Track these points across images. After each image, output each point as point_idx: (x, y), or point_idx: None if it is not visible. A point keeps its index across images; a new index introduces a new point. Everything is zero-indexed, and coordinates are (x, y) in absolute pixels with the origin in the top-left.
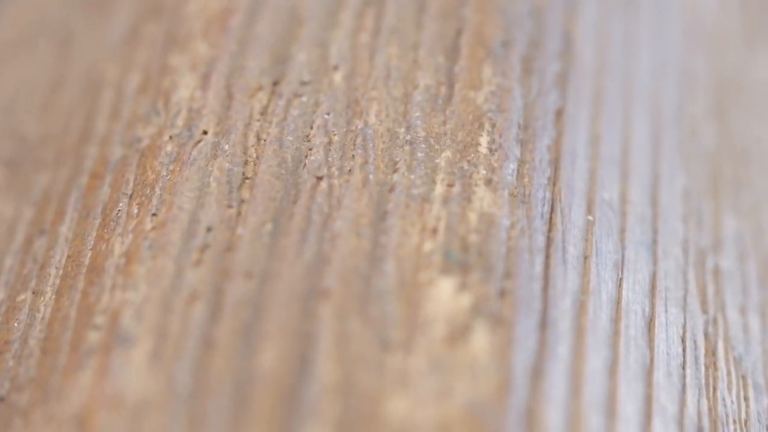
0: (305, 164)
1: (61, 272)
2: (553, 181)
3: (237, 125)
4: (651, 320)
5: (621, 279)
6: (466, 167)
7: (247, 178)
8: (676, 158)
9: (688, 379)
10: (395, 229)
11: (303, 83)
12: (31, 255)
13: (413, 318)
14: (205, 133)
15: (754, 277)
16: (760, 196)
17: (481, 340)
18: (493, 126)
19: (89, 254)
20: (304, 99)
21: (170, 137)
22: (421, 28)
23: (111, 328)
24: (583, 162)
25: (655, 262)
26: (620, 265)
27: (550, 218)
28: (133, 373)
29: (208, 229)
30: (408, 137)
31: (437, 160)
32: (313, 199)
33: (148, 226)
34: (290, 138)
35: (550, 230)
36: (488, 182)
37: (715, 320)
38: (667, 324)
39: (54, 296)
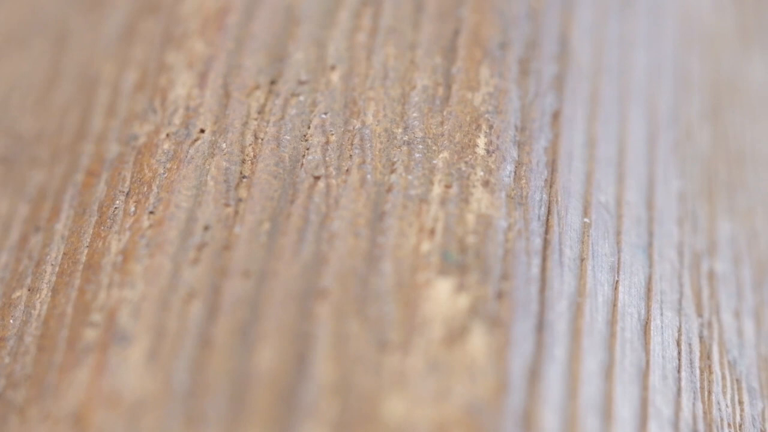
0: (303, 164)
1: (57, 269)
2: (550, 183)
3: (234, 124)
4: (646, 323)
5: (617, 282)
6: (463, 168)
7: (244, 177)
8: (671, 160)
9: (683, 383)
10: (393, 230)
11: (300, 82)
12: (27, 252)
13: (411, 319)
14: (202, 131)
15: (749, 281)
16: (755, 199)
17: (478, 341)
18: (491, 127)
19: (85, 251)
20: (302, 98)
21: (167, 135)
22: (418, 29)
23: (108, 325)
24: (579, 164)
25: (650, 265)
26: (616, 268)
27: (547, 220)
28: (131, 371)
29: (206, 228)
30: (405, 138)
31: (435, 161)
32: (311, 198)
33: (145, 224)
34: (288, 137)
35: (546, 232)
36: (486, 184)
37: (710, 324)
38: (662, 327)
39: (50, 293)
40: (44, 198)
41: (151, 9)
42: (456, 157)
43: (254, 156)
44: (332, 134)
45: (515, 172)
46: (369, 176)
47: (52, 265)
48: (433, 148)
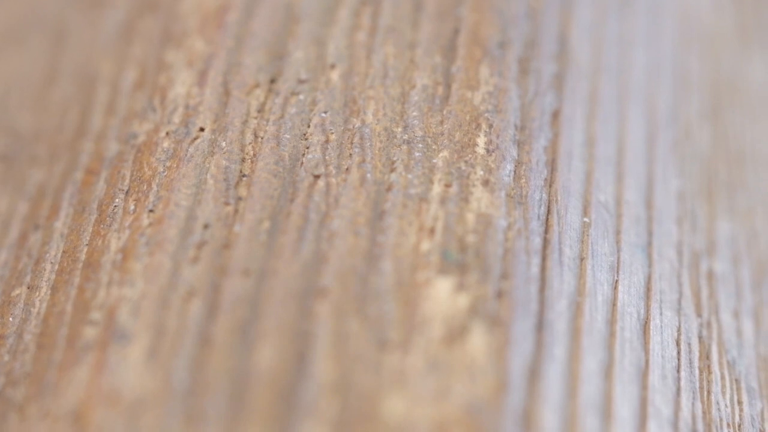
0: (303, 162)
1: (56, 267)
2: (550, 182)
3: (234, 122)
4: (646, 323)
5: (616, 281)
6: (463, 167)
7: (244, 176)
8: (670, 160)
9: (682, 382)
10: (393, 229)
11: (300, 81)
12: (26, 250)
13: (411, 318)
14: (202, 129)
15: (748, 281)
16: (754, 199)
17: (478, 340)
18: (491, 127)
19: (85, 250)
20: (302, 97)
21: (167, 133)
22: (417, 28)
23: (107, 324)
24: (579, 163)
25: (650, 265)
26: (616, 267)
27: (547, 220)
28: (130, 369)
29: (206, 227)
30: (405, 137)
31: (435, 160)
32: (311, 197)
33: (145, 222)
34: (287, 136)
35: (546, 232)
36: (485, 183)
37: (709, 323)
38: (662, 327)
39: (49, 291)
40: (43, 196)
41: (150, 7)
42: (456, 156)
43: (254, 154)
44: (332, 133)
45: (515, 172)
46: (369, 175)
47: (51, 263)
48: (433, 147)
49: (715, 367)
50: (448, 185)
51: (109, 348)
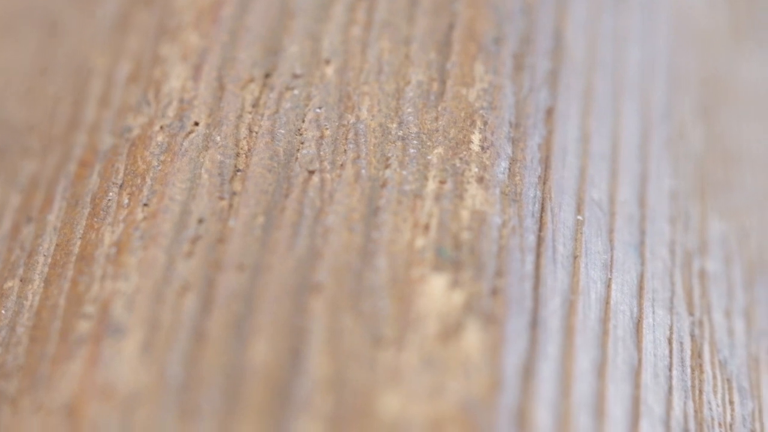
0: (297, 158)
1: (49, 260)
2: (544, 179)
3: (229, 117)
4: (639, 321)
5: (610, 279)
6: (458, 164)
7: (238, 171)
8: (664, 158)
9: (674, 381)
10: (387, 225)
11: (295, 76)
12: (19, 242)
13: (405, 314)
14: (196, 124)
15: (739, 280)
16: (746, 199)
17: (473, 338)
18: (485, 123)
19: (78, 243)
20: (296, 92)
21: (161, 127)
22: (413, 23)
23: (101, 317)
24: (573, 160)
25: (642, 263)
26: (609, 266)
27: (541, 217)
28: (124, 363)
29: (200, 221)
30: (400, 133)
31: (429, 157)
32: (305, 193)
33: (139, 216)
34: (282, 131)
35: (540, 229)
36: (480, 180)
37: (701, 322)
38: (654, 325)
39: (42, 284)
40: (36, 188)
41: (145, 0)
42: (450, 152)
43: (249, 149)
44: (327, 128)
45: (509, 169)
46: (363, 171)
47: (44, 255)
48: (428, 143)
49: (707, 366)
50: (442, 182)
51: (103, 342)
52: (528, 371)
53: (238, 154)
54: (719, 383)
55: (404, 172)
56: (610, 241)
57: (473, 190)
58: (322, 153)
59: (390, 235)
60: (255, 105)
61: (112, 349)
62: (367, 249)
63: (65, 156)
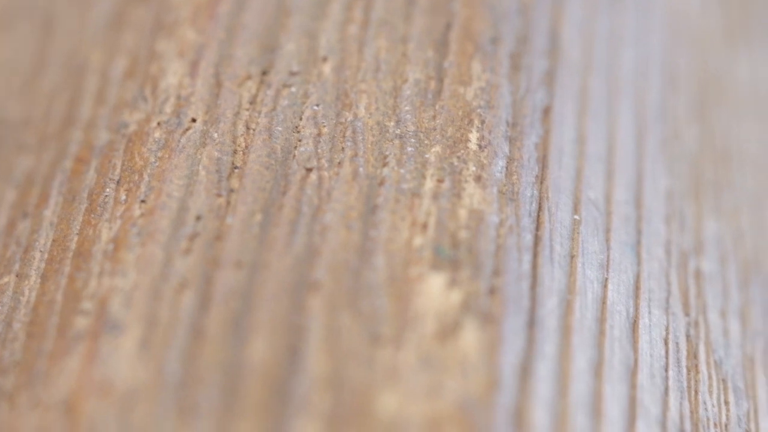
0: (295, 155)
1: (46, 256)
2: (541, 179)
3: (226, 114)
4: (635, 321)
5: (606, 279)
6: (455, 163)
7: (236, 168)
8: (659, 158)
9: (670, 382)
10: (385, 223)
11: (292, 73)
12: (14, 238)
13: (403, 313)
14: (193, 120)
15: (734, 281)
16: (740, 199)
17: (470, 337)
18: (483, 122)
19: (75, 239)
20: (293, 89)
21: (158, 124)
22: (410, 22)
23: (99, 314)
24: (569, 160)
25: (639, 263)
26: (605, 266)
27: (538, 217)
28: (122, 360)
29: (198, 218)
30: (398, 131)
31: (427, 155)
32: (303, 190)
33: (137, 212)
34: (279, 128)
35: (537, 229)
36: (478, 179)
37: (696, 323)
38: (650, 325)
39: (39, 280)
40: (32, 184)
41: None
42: (448, 151)
43: (246, 147)
44: (324, 126)
45: (507, 168)
46: (361, 169)
47: (40, 251)
48: (426, 142)
49: (703, 367)
50: (440, 180)
51: (100, 338)
52: (525, 371)
53: (235, 152)
54: (715, 383)
55: (402, 171)
56: (607, 240)
57: (471, 188)
58: (319, 151)
59: (388, 233)
60: (252, 102)
61: (109, 346)
62: (365, 247)
63: (61, 152)
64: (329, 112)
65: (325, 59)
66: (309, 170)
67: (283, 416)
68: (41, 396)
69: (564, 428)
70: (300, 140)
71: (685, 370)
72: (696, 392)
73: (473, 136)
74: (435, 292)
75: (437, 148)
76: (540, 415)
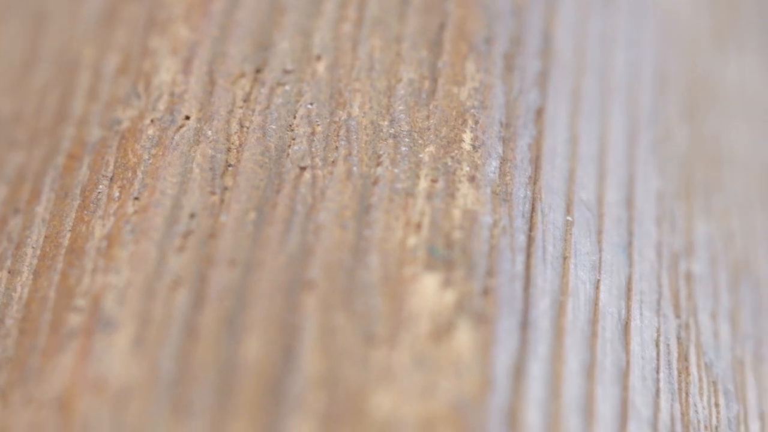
0: (288, 154)
1: (38, 252)
2: (534, 180)
3: (220, 111)
4: (627, 323)
5: (598, 281)
6: (449, 163)
7: (230, 166)
8: (650, 160)
9: (661, 384)
10: (379, 223)
11: (286, 72)
12: (6, 234)
13: (397, 313)
14: (187, 118)
15: (724, 283)
16: (730, 201)
17: (464, 337)
18: (477, 122)
19: (68, 235)
20: (287, 88)
21: (152, 121)
22: (404, 21)
23: (92, 311)
24: (562, 161)
25: (630, 265)
26: (598, 267)
27: (531, 217)
28: (116, 357)
29: (191, 216)
30: (392, 131)
31: (421, 155)
32: (297, 189)
33: (130, 209)
34: (273, 127)
35: (531, 229)
36: (471, 179)
37: (687, 325)
38: (642, 327)
39: (31, 276)
40: (23, 180)
41: None
42: (442, 151)
43: (240, 144)
44: (318, 125)
45: (500, 168)
46: (355, 168)
47: (33, 248)
48: (419, 141)
49: (693, 369)
50: (434, 180)
51: (94, 335)
52: (519, 371)
53: (229, 149)
54: (705, 386)
55: (396, 170)
56: (599, 242)
57: (465, 189)
58: (313, 149)
59: (382, 233)
60: (246, 100)
61: (103, 343)
62: (359, 247)
63: (53, 148)
64: (323, 111)
65: (319, 58)
66: (303, 169)
67: (277, 415)
68: (34, 393)
69: (557, 429)
70: (294, 139)
71: (676, 372)
72: (687, 394)
73: (467, 137)
74: (429, 292)
75: (431, 148)
76: (533, 415)
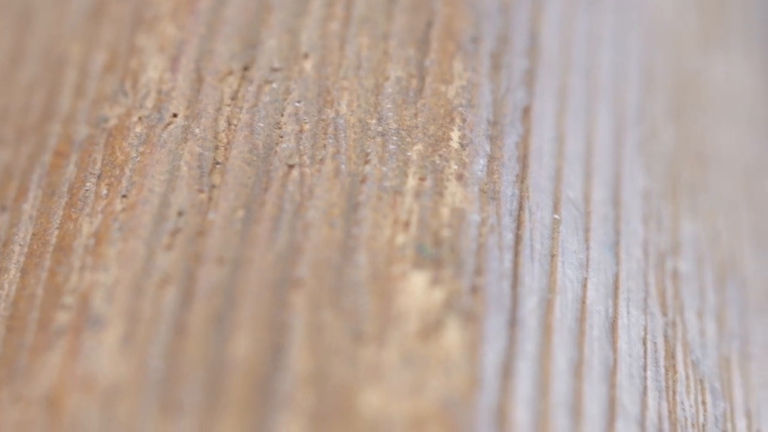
0: (276, 152)
1: (25, 250)
2: (521, 178)
3: (207, 109)
4: (614, 321)
5: (586, 279)
6: (437, 161)
7: (218, 163)
8: (637, 159)
9: (649, 382)
10: (367, 221)
11: (273, 69)
12: None
13: (386, 311)
14: (175, 115)
15: (711, 281)
16: (716, 200)
17: (453, 335)
18: (464, 121)
19: (55, 233)
20: (275, 86)
21: (139, 118)
22: (391, 19)
23: (81, 309)
24: (549, 159)
25: (617, 263)
26: (585, 265)
27: (519, 216)
28: (105, 355)
29: (180, 214)
30: (380, 129)
31: (409, 153)
32: (285, 187)
33: (118, 207)
34: (261, 124)
35: (518, 228)
36: (459, 177)
37: (674, 323)
38: (629, 326)
39: (19, 274)
40: (10, 177)
41: None
42: (430, 149)
43: (228, 142)
44: (306, 123)
45: (488, 167)
46: (343, 166)
47: (20, 245)
48: (407, 140)
49: (680, 367)
50: (422, 179)
51: (83, 333)
52: (507, 370)
53: (217, 147)
54: (692, 384)
55: (384, 168)
56: (586, 240)
57: (453, 187)
58: (301, 147)
59: (370, 231)
60: (234, 98)
61: (92, 341)
62: (348, 245)
63: (40, 145)
64: (311, 109)
65: (306, 56)
66: (291, 167)
67: (266, 413)
68: (22, 391)
69: (545, 427)
70: (282, 137)
71: (663, 370)
72: (674, 392)
73: (455, 135)
74: (417, 290)
75: (419, 146)
76: (521, 414)
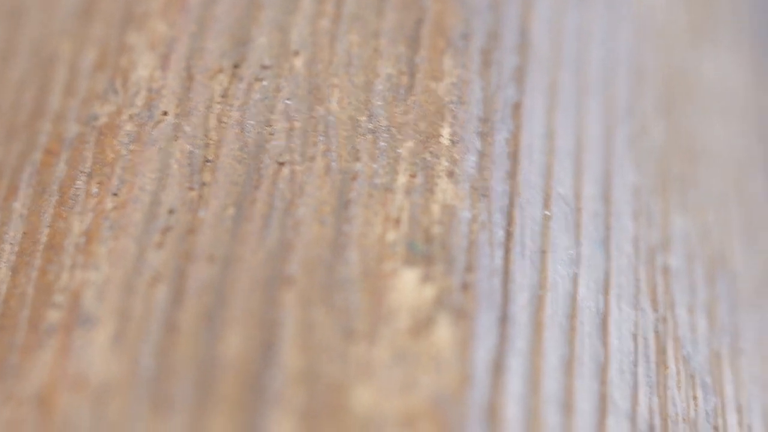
0: (267, 149)
1: (16, 248)
2: (512, 174)
3: (198, 107)
4: (605, 317)
5: (577, 275)
6: (428, 158)
7: (208, 161)
8: (627, 154)
9: (639, 377)
10: (358, 218)
11: (263, 67)
12: None
13: (377, 308)
14: (165, 113)
15: (701, 277)
16: (706, 195)
17: (444, 332)
18: (455, 117)
19: (46, 231)
20: (265, 83)
21: (130, 116)
22: (381, 17)
23: (72, 307)
24: (539, 156)
25: (608, 259)
26: (576, 261)
27: (510, 212)
28: (96, 354)
29: (170, 211)
30: (370, 126)
31: (399, 150)
32: (276, 184)
33: (109, 205)
34: (252, 122)
35: (509, 224)
36: (450, 174)
37: (665, 319)
38: (620, 321)
39: (9, 272)
40: (0, 176)
41: None
42: (421, 146)
43: (218, 140)
44: (296, 120)
45: (479, 163)
46: (334, 164)
47: (10, 243)
48: (398, 137)
49: (671, 362)
50: (413, 176)
51: (73, 332)
52: (498, 366)
53: (207, 145)
54: (683, 379)
55: (375, 166)
56: (577, 236)
57: (444, 184)
58: (292, 145)
59: (361, 228)
60: (224, 95)
61: (83, 339)
62: (338, 242)
63: (30, 143)
64: (301, 107)
65: (296, 53)
66: (281, 164)
67: (257, 411)
68: (13, 390)
69: (536, 424)
70: (272, 134)
71: (654, 366)
72: (665, 387)
73: (445, 132)
74: (408, 287)
75: (410, 143)
76: (513, 410)
